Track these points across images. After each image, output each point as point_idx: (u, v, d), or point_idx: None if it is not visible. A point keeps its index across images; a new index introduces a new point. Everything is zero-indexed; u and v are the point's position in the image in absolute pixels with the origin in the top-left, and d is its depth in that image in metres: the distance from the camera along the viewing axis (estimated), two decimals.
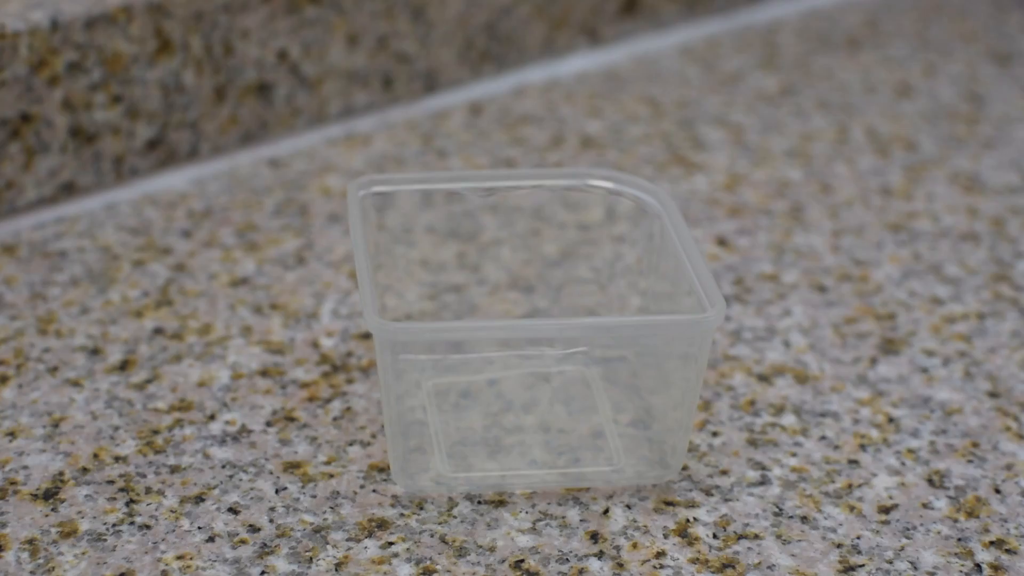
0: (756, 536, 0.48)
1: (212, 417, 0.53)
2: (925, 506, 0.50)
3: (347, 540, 0.48)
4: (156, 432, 0.53)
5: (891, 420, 0.54)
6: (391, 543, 0.47)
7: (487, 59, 0.80)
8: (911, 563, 0.47)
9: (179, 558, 0.47)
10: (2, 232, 0.65)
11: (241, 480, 0.50)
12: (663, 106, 0.79)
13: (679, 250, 0.51)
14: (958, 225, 0.68)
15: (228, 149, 0.71)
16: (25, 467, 0.50)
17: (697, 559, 0.47)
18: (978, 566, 0.47)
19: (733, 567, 0.47)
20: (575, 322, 0.48)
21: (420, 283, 0.61)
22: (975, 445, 0.53)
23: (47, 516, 0.48)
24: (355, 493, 0.50)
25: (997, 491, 0.51)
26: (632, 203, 0.55)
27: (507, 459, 0.51)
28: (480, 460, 0.51)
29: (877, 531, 0.49)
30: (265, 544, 0.47)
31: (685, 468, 0.51)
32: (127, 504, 0.49)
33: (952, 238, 0.67)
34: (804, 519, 0.49)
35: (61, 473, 0.50)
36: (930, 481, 0.51)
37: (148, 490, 0.50)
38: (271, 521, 0.48)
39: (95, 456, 0.51)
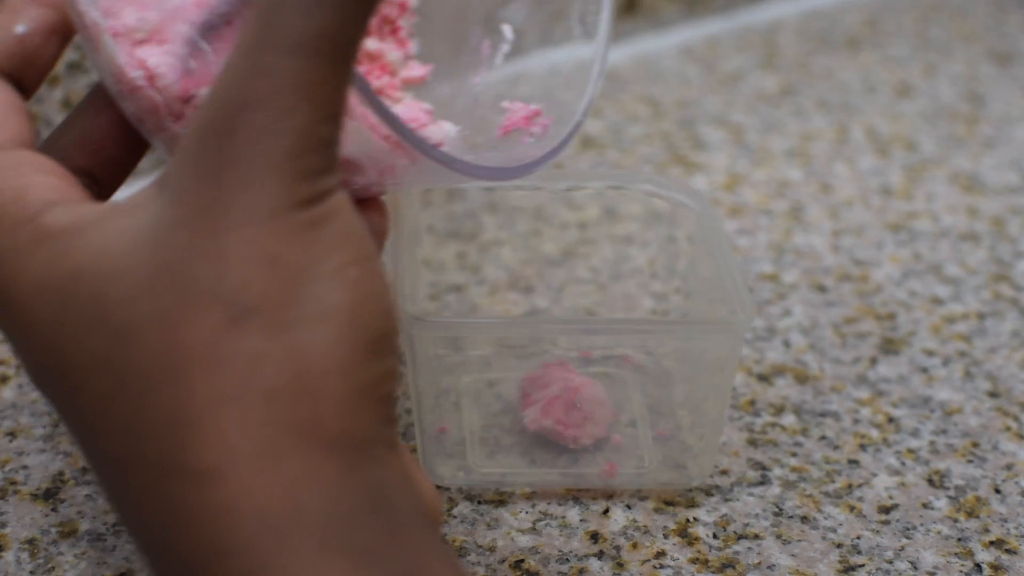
0: (756, 536, 0.48)
1: None
2: (925, 506, 0.50)
3: None
4: None
5: (891, 420, 0.54)
6: None
7: None
8: (911, 563, 0.47)
9: None
10: None
11: None
12: (663, 106, 0.79)
13: (718, 254, 0.51)
14: (958, 225, 0.68)
15: None
16: (25, 467, 0.50)
17: (697, 559, 0.47)
18: (978, 566, 0.47)
19: (733, 567, 0.47)
20: (626, 321, 0.50)
21: (421, 283, 0.61)
22: (975, 445, 0.53)
23: (47, 516, 0.48)
24: None
25: (997, 491, 0.51)
26: (639, 204, 0.55)
27: (545, 456, 0.51)
28: (522, 454, 0.51)
29: (877, 531, 0.49)
30: None
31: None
32: None
33: (952, 238, 0.67)
34: (804, 519, 0.49)
35: (61, 473, 0.50)
36: (930, 481, 0.51)
37: None
38: None
39: None
